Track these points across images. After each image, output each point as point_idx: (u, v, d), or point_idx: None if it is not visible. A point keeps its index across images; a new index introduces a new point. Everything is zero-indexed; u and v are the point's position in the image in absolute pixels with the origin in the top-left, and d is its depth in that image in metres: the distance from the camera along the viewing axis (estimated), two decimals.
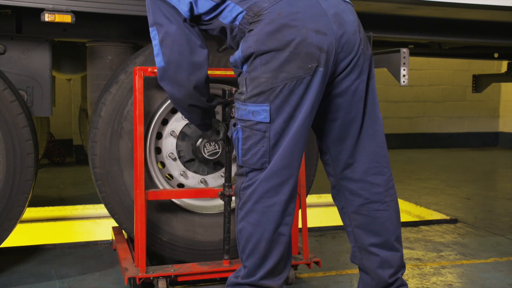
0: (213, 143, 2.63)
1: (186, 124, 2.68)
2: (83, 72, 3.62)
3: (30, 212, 4.13)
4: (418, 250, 3.26)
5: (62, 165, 6.79)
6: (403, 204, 4.67)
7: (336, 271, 2.84)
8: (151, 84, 2.56)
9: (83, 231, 4.18)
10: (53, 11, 2.36)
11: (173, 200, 2.64)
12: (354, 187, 2.06)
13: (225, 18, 1.95)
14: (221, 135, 2.41)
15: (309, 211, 2.90)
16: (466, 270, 2.91)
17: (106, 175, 2.58)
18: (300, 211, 2.60)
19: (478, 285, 2.69)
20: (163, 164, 2.70)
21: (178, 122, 2.67)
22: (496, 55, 4.56)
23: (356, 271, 2.70)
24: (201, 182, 2.73)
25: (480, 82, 5.28)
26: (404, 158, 7.78)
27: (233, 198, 2.32)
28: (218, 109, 2.63)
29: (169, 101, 2.59)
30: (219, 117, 2.64)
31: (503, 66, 6.77)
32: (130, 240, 2.86)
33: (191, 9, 1.98)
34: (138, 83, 2.40)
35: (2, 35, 2.64)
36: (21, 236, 3.88)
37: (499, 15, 3.16)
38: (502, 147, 9.44)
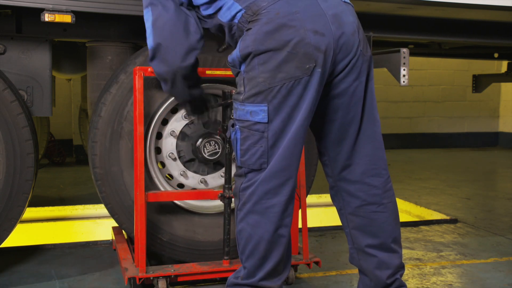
0: (213, 143, 2.63)
1: (186, 124, 2.69)
2: (83, 72, 3.62)
3: (30, 212, 4.13)
4: (418, 250, 3.26)
5: (62, 165, 6.78)
6: (403, 204, 4.67)
7: (336, 271, 2.84)
8: (151, 84, 2.56)
9: (83, 231, 4.18)
10: (53, 11, 2.36)
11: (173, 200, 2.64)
12: (351, 188, 2.06)
13: (224, 16, 1.95)
14: (207, 116, 2.41)
15: (309, 211, 2.90)
16: (466, 270, 2.91)
17: (106, 175, 2.58)
18: (300, 211, 2.60)
19: (478, 285, 2.69)
20: (163, 164, 2.70)
21: (178, 122, 2.67)
22: (496, 55, 4.55)
23: (356, 271, 2.70)
24: (201, 182, 2.73)
25: (480, 82, 5.28)
26: (404, 158, 7.78)
27: (233, 198, 2.32)
28: (218, 108, 2.64)
29: (169, 101, 2.60)
30: (218, 116, 2.64)
31: (503, 66, 6.76)
32: (130, 240, 2.86)
33: None
34: (138, 83, 2.40)
35: (2, 35, 2.63)
36: (21, 236, 3.88)
37: (499, 15, 3.16)
38: (502, 147, 9.44)
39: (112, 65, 2.87)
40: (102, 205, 2.91)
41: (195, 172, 2.73)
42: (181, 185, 2.74)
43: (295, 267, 2.65)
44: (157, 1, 1.99)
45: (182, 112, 2.67)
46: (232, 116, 1.96)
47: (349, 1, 2.00)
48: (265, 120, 1.84)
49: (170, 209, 2.66)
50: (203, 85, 2.63)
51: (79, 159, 7.10)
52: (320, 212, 4.60)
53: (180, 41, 2.01)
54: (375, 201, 2.04)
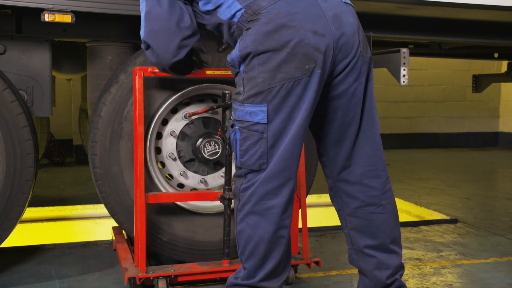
0: (213, 143, 2.63)
1: (186, 124, 2.69)
2: (83, 72, 3.62)
3: (30, 212, 4.12)
4: (418, 250, 3.26)
5: (62, 165, 6.78)
6: (403, 204, 4.67)
7: (336, 271, 2.84)
8: (151, 84, 2.56)
9: (83, 231, 4.18)
10: (53, 11, 2.36)
11: None
12: (350, 189, 2.06)
13: (224, 14, 1.93)
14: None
15: (309, 211, 2.90)
16: (466, 270, 2.91)
17: (106, 175, 2.58)
18: (300, 211, 2.60)
19: (478, 285, 2.69)
20: (163, 164, 2.70)
21: (178, 122, 2.67)
22: (496, 55, 4.55)
23: (356, 271, 2.70)
24: (201, 182, 2.73)
25: (480, 82, 5.28)
26: (404, 158, 7.78)
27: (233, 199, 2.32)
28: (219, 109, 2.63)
29: (169, 101, 2.60)
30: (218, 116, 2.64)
31: (503, 66, 6.76)
32: (130, 240, 2.86)
33: None
34: (138, 83, 2.40)
35: (2, 35, 2.63)
36: (21, 236, 3.88)
37: (499, 15, 3.16)
38: (502, 147, 9.44)
39: (112, 65, 2.86)
40: (102, 205, 2.91)
41: (195, 172, 2.73)
42: (181, 185, 2.74)
43: (295, 267, 2.65)
44: None
45: (182, 112, 2.67)
46: (232, 116, 1.95)
47: (349, 2, 1.99)
48: (265, 120, 1.83)
49: (170, 209, 2.66)
50: (203, 85, 2.64)
51: (79, 159, 7.10)
52: (320, 212, 4.60)
53: (171, 37, 2.01)
54: (374, 202, 2.04)
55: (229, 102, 2.34)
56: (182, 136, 2.69)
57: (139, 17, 2.49)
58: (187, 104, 2.70)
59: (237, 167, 1.93)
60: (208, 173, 2.76)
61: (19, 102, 2.50)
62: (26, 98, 2.68)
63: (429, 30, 3.36)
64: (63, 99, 6.97)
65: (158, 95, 2.59)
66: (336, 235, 3.52)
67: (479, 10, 3.04)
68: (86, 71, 3.06)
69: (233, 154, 1.95)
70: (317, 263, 2.62)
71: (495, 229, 3.78)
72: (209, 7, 1.98)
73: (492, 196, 5.11)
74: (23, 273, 2.76)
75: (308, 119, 1.88)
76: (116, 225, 2.99)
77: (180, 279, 2.47)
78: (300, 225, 2.61)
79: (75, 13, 2.40)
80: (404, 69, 2.79)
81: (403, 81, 2.79)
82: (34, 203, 4.22)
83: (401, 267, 2.09)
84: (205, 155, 2.63)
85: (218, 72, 2.52)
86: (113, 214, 2.64)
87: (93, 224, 4.25)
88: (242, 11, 1.87)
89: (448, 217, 4.08)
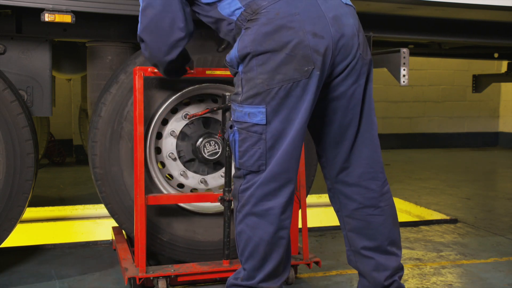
0: (213, 143, 2.63)
1: (186, 124, 2.69)
2: (83, 72, 3.62)
3: (30, 212, 4.12)
4: (418, 250, 3.26)
5: (62, 165, 6.78)
6: (403, 204, 4.67)
7: (336, 271, 2.84)
8: (151, 84, 2.56)
9: (83, 231, 4.17)
10: (53, 11, 2.36)
11: None
12: (348, 191, 2.05)
13: (224, 9, 1.92)
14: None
15: (309, 211, 2.90)
16: (466, 270, 2.91)
17: (106, 175, 2.58)
18: (300, 211, 2.60)
19: (478, 285, 2.69)
20: (163, 164, 2.70)
21: (178, 122, 2.67)
22: (496, 55, 4.55)
23: (356, 271, 2.70)
24: (201, 182, 2.73)
25: (480, 82, 5.28)
26: (404, 158, 7.77)
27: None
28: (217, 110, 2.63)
29: (169, 101, 2.60)
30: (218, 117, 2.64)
31: (503, 66, 6.76)
32: (130, 240, 2.86)
33: None
34: (138, 83, 2.40)
35: (2, 35, 2.63)
36: (21, 236, 3.88)
37: (499, 15, 3.16)
38: (502, 147, 9.44)
39: (112, 65, 2.86)
40: (102, 205, 2.91)
41: (195, 172, 2.73)
42: (181, 185, 2.74)
43: (295, 267, 2.65)
44: None
45: (182, 112, 2.67)
46: (231, 117, 1.95)
47: (350, 3, 1.98)
48: (263, 122, 1.82)
49: (170, 209, 2.66)
50: (203, 85, 2.64)
51: (79, 159, 7.10)
52: (320, 212, 4.60)
53: (163, 37, 2.01)
54: (372, 204, 2.04)
55: (229, 104, 2.34)
56: (182, 136, 2.69)
57: (138, 17, 2.49)
58: (187, 104, 2.70)
59: (236, 168, 1.92)
60: (208, 173, 2.76)
61: (19, 102, 2.50)
62: (26, 98, 2.68)
63: (429, 30, 3.36)
64: (63, 99, 6.97)
65: (158, 95, 2.59)
66: (336, 235, 3.52)
67: (479, 10, 3.04)
68: (86, 71, 3.06)
69: (232, 155, 1.95)
70: (317, 263, 2.62)
71: (495, 229, 3.78)
72: (210, 0, 1.97)
73: (492, 196, 5.11)
74: (23, 273, 2.76)
75: (307, 120, 1.87)
76: (116, 225, 2.99)
77: (180, 279, 2.47)
78: (300, 225, 2.61)
79: (75, 13, 2.40)
80: (404, 69, 2.79)
81: (403, 81, 2.79)
82: (34, 203, 4.22)
83: (400, 269, 2.08)
84: (205, 155, 2.63)
85: (218, 72, 2.52)
86: (113, 214, 2.63)
87: (93, 224, 4.25)
88: (242, 9, 1.86)
89: (448, 217, 4.08)
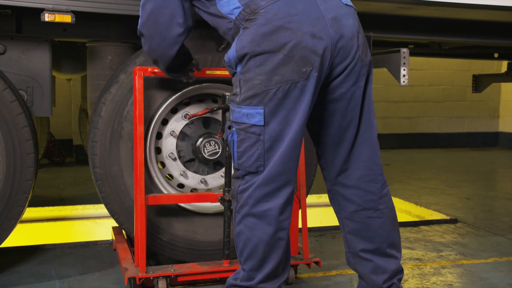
0: (213, 143, 2.63)
1: (186, 124, 2.69)
2: (83, 72, 3.62)
3: (30, 212, 4.12)
4: (418, 250, 3.26)
5: (62, 165, 6.78)
6: (403, 204, 4.67)
7: (336, 271, 2.84)
8: (151, 84, 2.56)
9: (83, 231, 4.18)
10: (53, 11, 2.36)
11: None
12: (347, 193, 2.05)
13: (223, 7, 1.91)
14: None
15: (309, 211, 2.90)
16: (466, 270, 2.91)
17: (106, 175, 2.58)
18: (300, 211, 2.60)
19: (478, 285, 2.69)
20: (163, 164, 2.70)
21: (178, 122, 2.67)
22: (496, 55, 4.55)
23: None
24: (201, 182, 2.73)
25: (480, 82, 5.28)
26: (404, 158, 7.77)
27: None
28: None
29: (169, 101, 2.60)
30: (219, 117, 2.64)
31: (503, 66, 6.76)
32: (130, 240, 2.86)
33: None
34: (138, 83, 2.40)
35: (2, 35, 2.63)
36: (21, 236, 3.88)
37: (499, 15, 3.16)
38: (502, 147, 9.44)
39: (112, 65, 2.86)
40: (102, 205, 2.91)
41: (195, 172, 2.73)
42: (181, 185, 2.74)
43: (295, 267, 2.65)
44: None
45: (182, 112, 2.67)
46: (229, 118, 1.95)
47: (351, 4, 1.96)
48: (261, 123, 1.82)
49: (170, 209, 2.66)
50: (203, 84, 2.64)
51: (79, 159, 7.10)
52: (320, 212, 4.60)
53: (162, 31, 2.01)
54: (371, 207, 2.03)
55: (228, 104, 2.34)
56: (182, 136, 2.69)
57: (138, 17, 2.50)
58: (187, 104, 2.70)
59: (235, 169, 1.92)
60: (208, 173, 2.76)
61: (19, 102, 2.50)
62: (26, 98, 2.68)
63: (429, 30, 3.36)
64: (63, 99, 6.97)
65: (158, 95, 2.58)
66: (336, 235, 3.52)
67: (479, 10, 3.04)
68: (86, 71, 3.06)
69: (231, 155, 1.94)
70: (317, 263, 2.62)
71: (495, 229, 3.78)
72: None
73: (492, 196, 5.11)
74: (23, 273, 2.76)
75: (305, 122, 1.86)
76: (116, 225, 2.99)
77: (180, 279, 2.47)
78: (300, 225, 2.61)
79: (75, 13, 2.40)
80: (404, 69, 2.79)
81: (403, 81, 2.79)
82: (34, 203, 4.22)
83: (399, 271, 2.07)
84: (205, 155, 2.63)
85: (217, 72, 2.52)
86: (113, 214, 2.64)
87: (93, 224, 4.25)
88: (240, 9, 1.85)
89: (448, 217, 4.08)
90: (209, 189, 2.76)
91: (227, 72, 2.49)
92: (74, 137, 7.22)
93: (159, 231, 2.63)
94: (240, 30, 1.86)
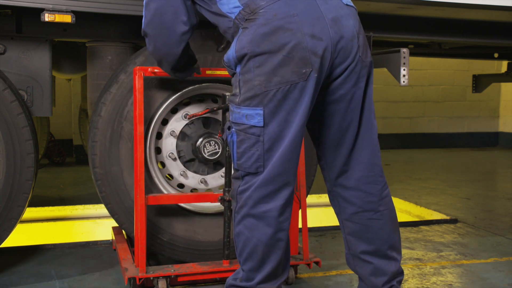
0: (213, 143, 2.63)
1: (186, 124, 2.69)
2: (83, 72, 3.62)
3: (30, 212, 4.12)
4: (418, 250, 3.26)
5: (62, 165, 6.78)
6: (403, 204, 4.67)
7: (336, 271, 2.84)
8: (151, 84, 2.56)
9: (83, 231, 4.18)
10: (53, 11, 2.36)
11: None
12: (347, 194, 2.04)
13: (223, 6, 1.90)
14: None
15: (309, 211, 2.90)
16: (466, 270, 2.91)
17: (106, 175, 2.58)
18: (300, 211, 2.60)
19: (478, 285, 2.69)
20: (163, 164, 2.70)
21: (178, 122, 2.67)
22: (496, 55, 4.55)
23: None
24: (201, 182, 2.73)
25: (480, 82, 5.28)
26: (404, 158, 7.77)
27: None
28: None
29: (169, 101, 2.60)
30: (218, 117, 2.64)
31: (503, 66, 6.76)
32: (130, 240, 2.86)
33: None
34: (138, 83, 2.40)
35: (2, 35, 2.63)
36: (21, 236, 3.88)
37: (499, 15, 3.16)
38: (502, 147, 9.44)
39: (112, 65, 2.87)
40: (102, 205, 2.91)
41: (195, 172, 2.73)
42: (181, 185, 2.74)
43: (295, 267, 2.65)
44: None
45: (182, 112, 2.67)
46: (229, 118, 1.94)
47: (352, 4, 1.95)
48: (261, 124, 1.81)
49: (170, 209, 2.66)
50: (203, 84, 2.64)
51: (79, 159, 7.10)
52: (320, 212, 4.60)
53: (167, 30, 2.01)
54: (371, 208, 2.02)
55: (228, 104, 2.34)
56: (182, 136, 2.69)
57: (139, 17, 2.50)
58: (187, 104, 2.70)
59: (235, 169, 1.92)
60: (208, 173, 2.76)
61: (19, 102, 2.50)
62: (26, 98, 2.68)
63: (429, 30, 3.36)
64: (63, 99, 6.97)
65: (158, 95, 2.58)
66: (336, 235, 3.52)
67: (479, 10, 3.04)
68: (86, 71, 3.06)
69: (231, 155, 1.94)
70: (317, 263, 2.62)
71: (495, 229, 3.78)
72: None
73: (492, 196, 5.11)
74: (23, 273, 2.76)
75: (305, 123, 1.86)
76: (116, 225, 2.99)
77: (180, 279, 2.47)
78: (300, 225, 2.61)
79: (75, 13, 2.40)
80: (404, 69, 2.79)
81: (403, 81, 2.79)
82: (34, 203, 4.22)
83: (398, 274, 2.07)
84: (205, 155, 2.63)
85: (218, 72, 2.52)
86: (113, 214, 2.64)
87: (93, 224, 4.25)
88: (240, 8, 1.84)
89: (448, 217, 4.08)
90: (209, 189, 2.76)
91: (227, 72, 2.49)
92: (74, 137, 7.22)
93: (159, 231, 2.63)
94: (240, 30, 1.85)
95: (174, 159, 2.68)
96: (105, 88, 2.65)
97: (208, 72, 2.51)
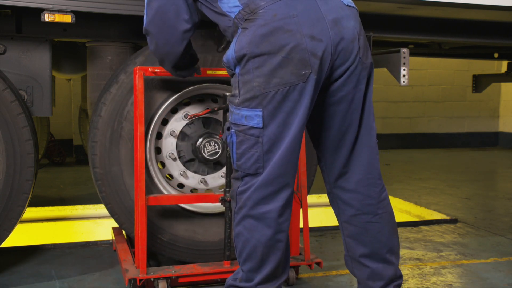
0: (213, 143, 2.63)
1: (186, 124, 2.68)
2: (83, 72, 3.62)
3: (30, 212, 4.12)
4: (418, 250, 3.26)
5: (62, 165, 6.78)
6: (403, 204, 4.67)
7: (336, 271, 2.84)
8: (151, 84, 2.56)
9: (83, 231, 4.18)
10: (53, 11, 2.36)
11: None
12: (346, 197, 2.04)
13: (224, 5, 1.90)
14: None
15: (309, 211, 2.89)
16: (466, 270, 2.91)
17: (106, 175, 2.58)
18: (301, 211, 2.60)
19: (478, 285, 2.69)
20: (163, 164, 2.70)
21: (178, 122, 2.67)
22: (496, 55, 4.55)
23: None
24: (201, 182, 2.73)
25: (480, 82, 5.28)
26: (404, 158, 7.77)
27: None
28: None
29: (169, 101, 2.60)
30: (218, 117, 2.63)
31: (503, 66, 6.76)
32: (130, 240, 2.86)
33: None
34: (138, 83, 2.40)
35: (2, 35, 2.63)
36: (21, 236, 3.88)
37: (499, 15, 3.16)
38: (502, 147, 9.44)
39: (112, 65, 2.87)
40: (102, 205, 2.91)
41: (195, 172, 2.73)
42: (181, 185, 2.74)
43: (296, 268, 2.64)
44: None
45: (182, 112, 2.67)
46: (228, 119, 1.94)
47: (353, 5, 1.94)
48: (260, 125, 1.80)
49: (170, 209, 2.66)
50: (203, 85, 2.64)
51: (79, 159, 7.09)
52: (320, 212, 4.60)
53: (170, 28, 2.01)
54: (370, 211, 2.02)
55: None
56: (182, 136, 2.69)
57: (139, 17, 2.50)
58: (187, 104, 2.70)
59: (234, 170, 1.91)
60: (208, 173, 2.76)
61: (19, 102, 2.50)
62: (26, 98, 2.68)
63: (429, 30, 3.36)
64: (63, 99, 6.96)
65: (158, 95, 2.58)
66: (336, 235, 3.52)
67: (479, 10, 3.04)
68: (86, 71, 3.06)
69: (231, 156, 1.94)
70: (318, 264, 2.62)
71: (495, 229, 3.78)
72: None
73: (492, 196, 5.11)
74: (23, 273, 2.76)
75: (304, 124, 1.85)
76: (116, 225, 2.99)
77: (181, 280, 2.47)
78: (301, 225, 2.61)
79: (75, 13, 2.40)
80: (404, 69, 2.79)
81: (403, 81, 2.79)
82: (34, 203, 4.22)
83: (396, 278, 2.06)
84: (205, 155, 2.63)
85: (218, 72, 2.51)
86: (113, 214, 2.63)
87: (93, 224, 4.25)
88: (240, 8, 1.83)
89: (448, 217, 4.08)
90: (209, 189, 2.76)
91: (226, 72, 2.49)
92: (74, 137, 7.22)
93: (159, 231, 2.63)
94: (239, 30, 1.84)
95: (174, 159, 2.68)
96: (105, 88, 2.65)
97: (208, 72, 2.50)
